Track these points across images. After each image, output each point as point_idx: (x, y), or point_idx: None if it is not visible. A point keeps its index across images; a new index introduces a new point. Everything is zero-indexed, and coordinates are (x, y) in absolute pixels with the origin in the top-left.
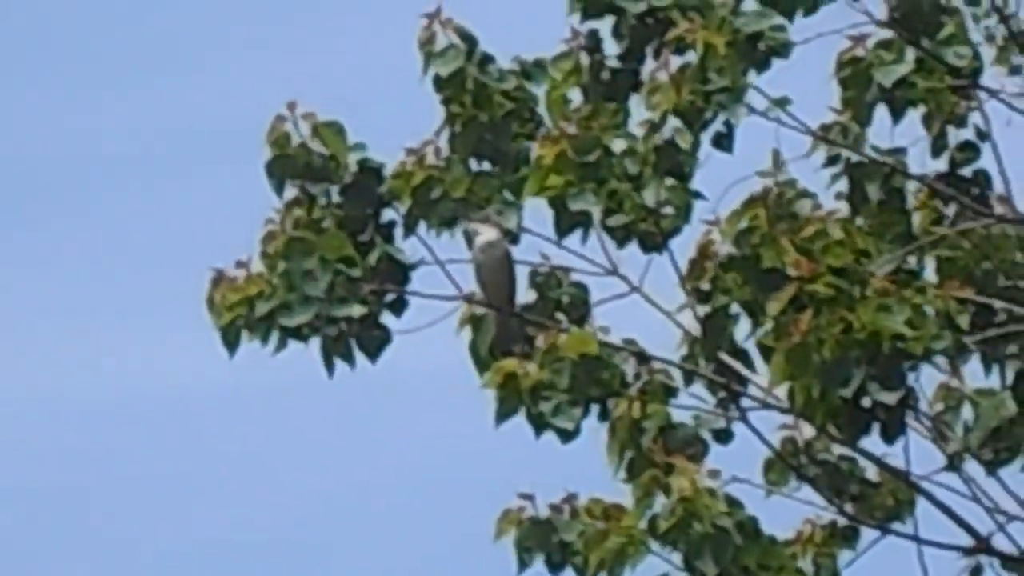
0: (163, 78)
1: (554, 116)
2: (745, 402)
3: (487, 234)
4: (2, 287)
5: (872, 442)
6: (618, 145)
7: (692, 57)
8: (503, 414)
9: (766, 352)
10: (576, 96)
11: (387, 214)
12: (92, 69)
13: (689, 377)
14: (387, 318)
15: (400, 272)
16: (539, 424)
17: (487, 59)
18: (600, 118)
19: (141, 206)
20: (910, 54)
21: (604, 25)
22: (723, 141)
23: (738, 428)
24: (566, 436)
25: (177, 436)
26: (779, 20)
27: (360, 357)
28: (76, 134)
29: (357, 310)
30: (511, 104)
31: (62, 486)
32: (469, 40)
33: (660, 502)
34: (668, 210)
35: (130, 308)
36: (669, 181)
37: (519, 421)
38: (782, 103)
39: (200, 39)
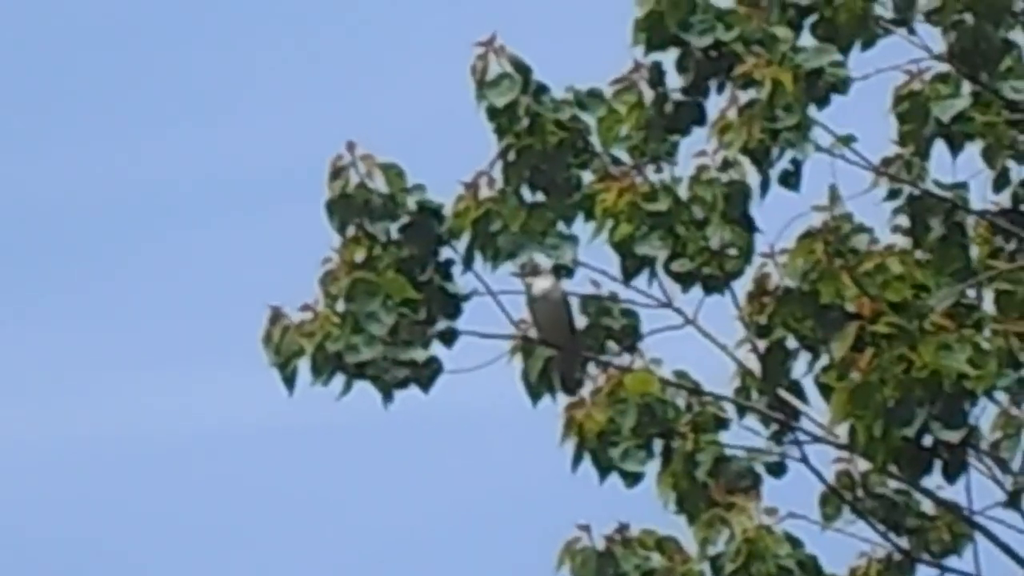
0: (223, 119)
1: (607, 146)
2: (799, 436)
3: (541, 283)
4: (59, 332)
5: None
6: (683, 190)
7: (756, 92)
8: (578, 460)
9: (825, 390)
10: (625, 127)
11: (445, 252)
12: (152, 110)
13: (742, 411)
14: (437, 348)
15: (451, 304)
16: (606, 468)
17: (541, 89)
18: (650, 146)
19: (196, 247)
20: (967, 88)
21: (667, 58)
22: (790, 179)
23: (790, 462)
24: (632, 479)
25: (230, 474)
26: (838, 56)
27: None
28: (133, 175)
29: (422, 354)
30: (565, 134)
31: (117, 528)
32: (523, 69)
33: (720, 540)
34: (732, 251)
35: (188, 350)
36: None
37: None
38: (847, 140)
39: (255, 79)
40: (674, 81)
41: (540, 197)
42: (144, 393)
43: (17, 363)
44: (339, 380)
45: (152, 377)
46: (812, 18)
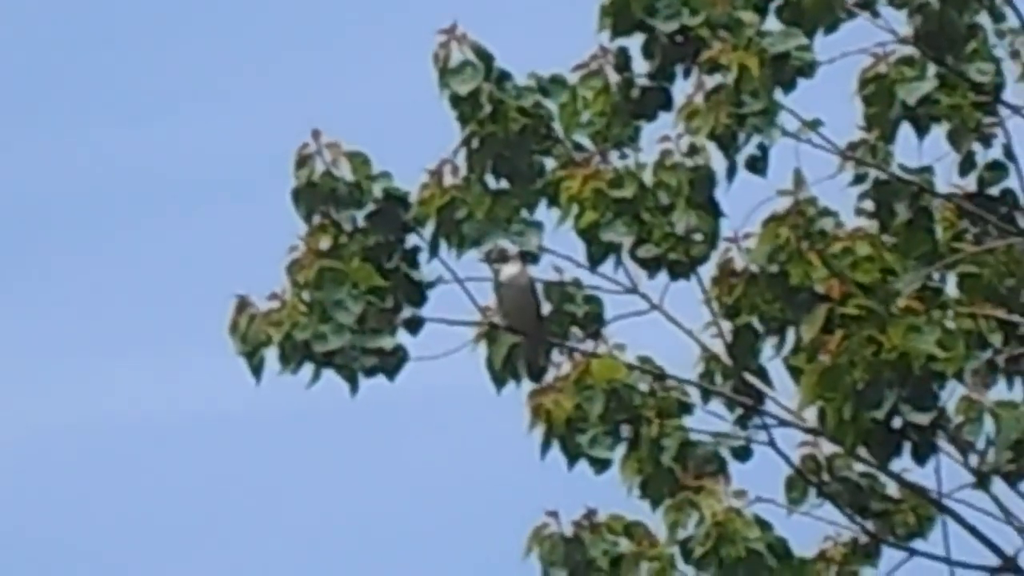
0: (185, 107)
1: (569, 132)
2: (765, 420)
3: (509, 269)
4: (25, 319)
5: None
6: (648, 176)
7: (722, 77)
8: (546, 447)
9: (794, 372)
10: (587, 113)
11: (411, 239)
12: (124, 100)
13: (707, 395)
14: (403, 336)
15: (417, 291)
16: (574, 455)
17: (504, 76)
18: (613, 132)
19: (163, 235)
20: (932, 70)
21: (633, 43)
22: (757, 164)
23: (756, 446)
24: (601, 465)
25: (199, 462)
26: (804, 39)
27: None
28: (105, 164)
29: (390, 342)
30: (527, 120)
31: (83, 516)
32: (485, 57)
33: (689, 523)
34: (697, 237)
35: (156, 338)
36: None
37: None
38: (814, 124)
39: (221, 69)
40: (640, 66)
41: (504, 184)
42: (111, 380)
43: None
44: (307, 369)
45: (120, 365)
46: (777, 2)
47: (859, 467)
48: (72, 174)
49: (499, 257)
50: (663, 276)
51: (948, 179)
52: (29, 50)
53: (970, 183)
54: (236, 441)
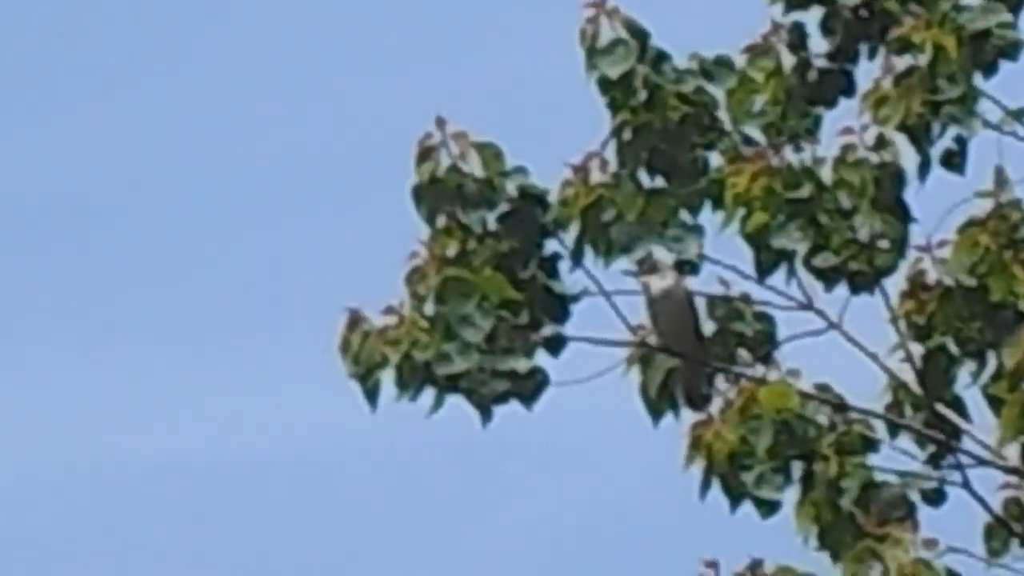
0: (290, 94)
1: (738, 122)
2: (961, 459)
3: (661, 281)
4: (103, 341)
5: None
6: (827, 173)
7: (914, 59)
8: (706, 486)
9: (995, 403)
10: (759, 99)
11: (550, 245)
12: (211, 82)
13: (895, 429)
14: (542, 357)
15: (557, 306)
16: (738, 495)
17: (661, 56)
18: (789, 122)
19: (262, 240)
20: None
21: (810, 18)
22: (953, 159)
23: (950, 488)
24: (769, 508)
25: (303, 500)
26: (1007, 15)
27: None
28: (184, 160)
29: (524, 364)
30: (688, 109)
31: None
32: (640, 35)
33: None
34: (883, 244)
35: (253, 359)
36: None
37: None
38: (1019, 114)
39: (335, 51)
40: (818, 45)
41: (660, 182)
42: (205, 408)
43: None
44: (428, 394)
45: (211, 392)
46: None
47: None
48: (151, 172)
49: (650, 268)
50: (843, 289)
51: None
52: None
53: None
54: (345, 478)
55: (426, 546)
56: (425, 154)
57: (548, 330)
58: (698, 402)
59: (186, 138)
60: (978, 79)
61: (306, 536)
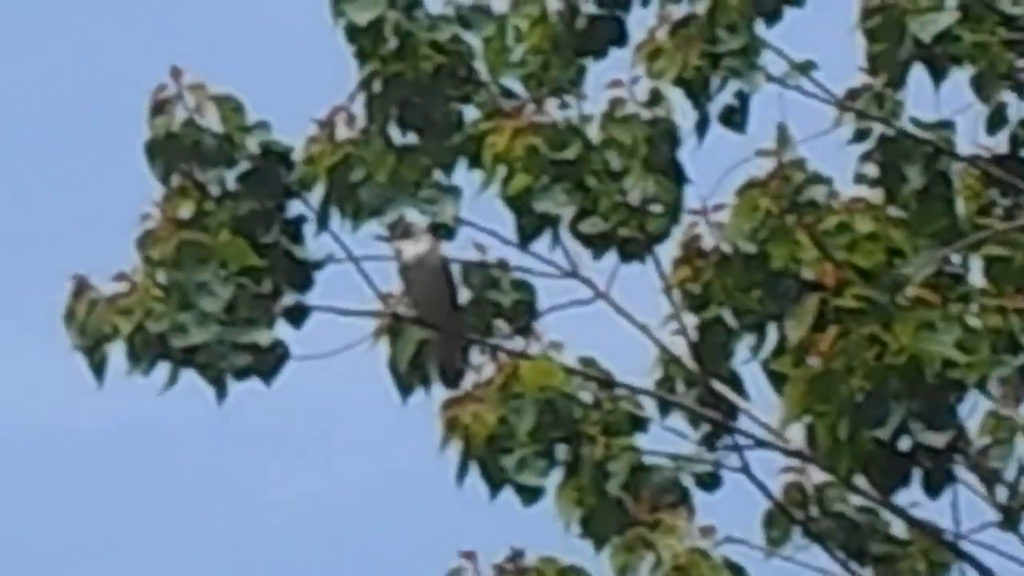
0: (12, 31)
1: (496, 74)
2: (738, 440)
3: (415, 247)
4: None
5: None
6: (595, 131)
7: (691, 6)
8: (463, 471)
9: (776, 379)
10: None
11: (294, 208)
12: None
13: (666, 407)
14: (283, 328)
15: (301, 273)
16: (498, 481)
17: (414, 2)
18: (551, 73)
19: None
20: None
21: None
22: (734, 117)
23: (727, 472)
24: (531, 495)
25: (31, 484)
26: None
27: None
28: None
29: (266, 336)
30: (443, 58)
31: None
32: None
33: (643, 567)
34: (655, 208)
35: None
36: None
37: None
38: (804, 67)
39: None
40: None
41: (412, 138)
42: None
43: None
44: (162, 369)
45: None
46: None
47: (856, 500)
48: None
49: (403, 232)
50: (611, 257)
51: (972, 137)
52: None
53: (1000, 143)
54: (68, 460)
55: (157, 535)
56: (159, 107)
57: (290, 299)
58: (453, 377)
59: None
60: (760, 28)
61: (30, 523)
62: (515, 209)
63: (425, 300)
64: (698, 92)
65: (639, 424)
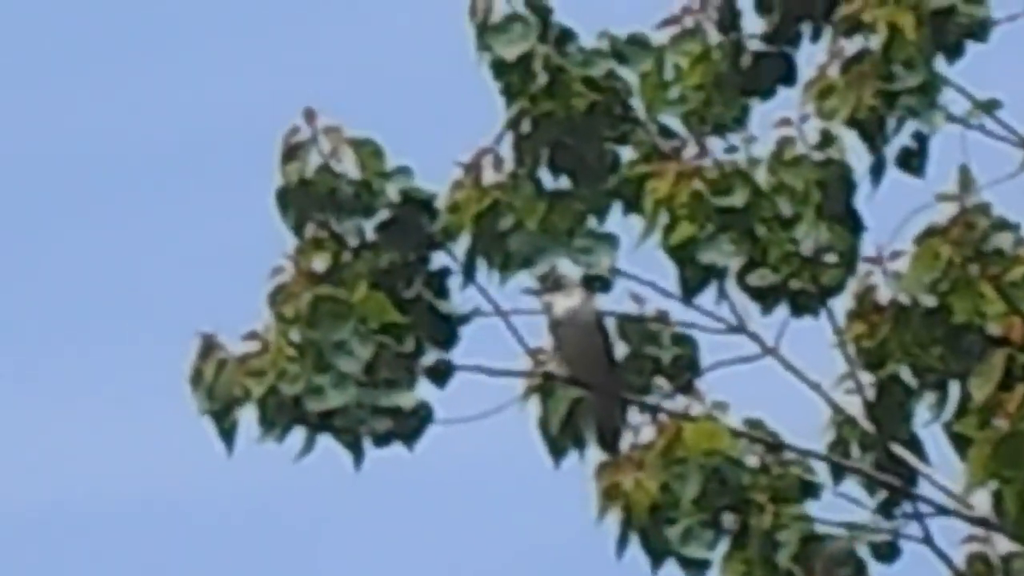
0: (143, 78)
1: (654, 112)
2: (919, 507)
3: (567, 301)
4: None
5: None
6: (763, 175)
7: (865, 41)
8: (623, 542)
9: (960, 442)
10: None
11: (437, 259)
12: (52, 58)
13: (840, 472)
14: (426, 389)
15: (445, 329)
16: (661, 553)
17: (566, 35)
18: (714, 110)
19: (105, 246)
20: None
21: None
22: (912, 160)
23: (906, 543)
24: (697, 568)
25: (144, 557)
26: None
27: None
28: (20, 148)
29: (409, 398)
30: (597, 95)
31: None
32: (540, 9)
33: None
34: (829, 258)
35: (85, 391)
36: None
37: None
38: (989, 106)
39: (190, 26)
40: (753, 24)
41: (565, 183)
42: (30, 445)
43: None
44: (297, 434)
45: (39, 422)
46: None
47: None
48: None
49: (554, 285)
50: (781, 311)
51: None
52: None
53: None
54: (198, 533)
55: None
56: (292, 152)
57: (434, 357)
58: (609, 440)
59: (13, 122)
60: (940, 64)
61: None
62: (678, 260)
63: (578, 357)
64: (873, 133)
65: (811, 491)
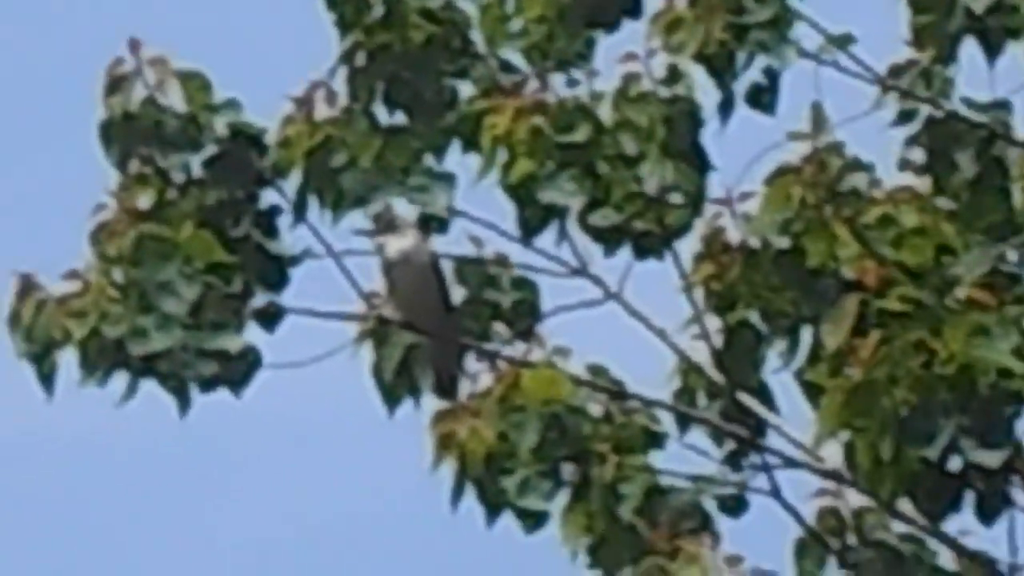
0: None
1: (494, 45)
2: (767, 459)
3: (401, 242)
4: None
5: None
6: (607, 111)
7: None
8: (458, 494)
9: (811, 391)
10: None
11: (267, 197)
12: None
13: (685, 422)
14: (254, 332)
15: (275, 270)
16: (497, 505)
17: None
18: (557, 44)
19: None
20: None
21: None
22: (762, 96)
23: (754, 495)
24: (534, 520)
25: None
26: None
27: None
28: None
29: (236, 342)
30: (435, 28)
31: None
32: None
33: None
34: (675, 198)
35: None
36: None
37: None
38: (842, 41)
39: None
40: None
41: (401, 119)
42: None
43: None
44: (120, 378)
45: None
46: None
47: (900, 527)
48: None
49: (388, 225)
50: (625, 253)
51: None
52: None
53: None
54: (11, 479)
55: (107, 564)
56: (115, 84)
57: (263, 299)
58: (446, 387)
59: None
60: None
61: None
62: (517, 199)
63: (413, 301)
64: (722, 69)
65: (655, 441)
